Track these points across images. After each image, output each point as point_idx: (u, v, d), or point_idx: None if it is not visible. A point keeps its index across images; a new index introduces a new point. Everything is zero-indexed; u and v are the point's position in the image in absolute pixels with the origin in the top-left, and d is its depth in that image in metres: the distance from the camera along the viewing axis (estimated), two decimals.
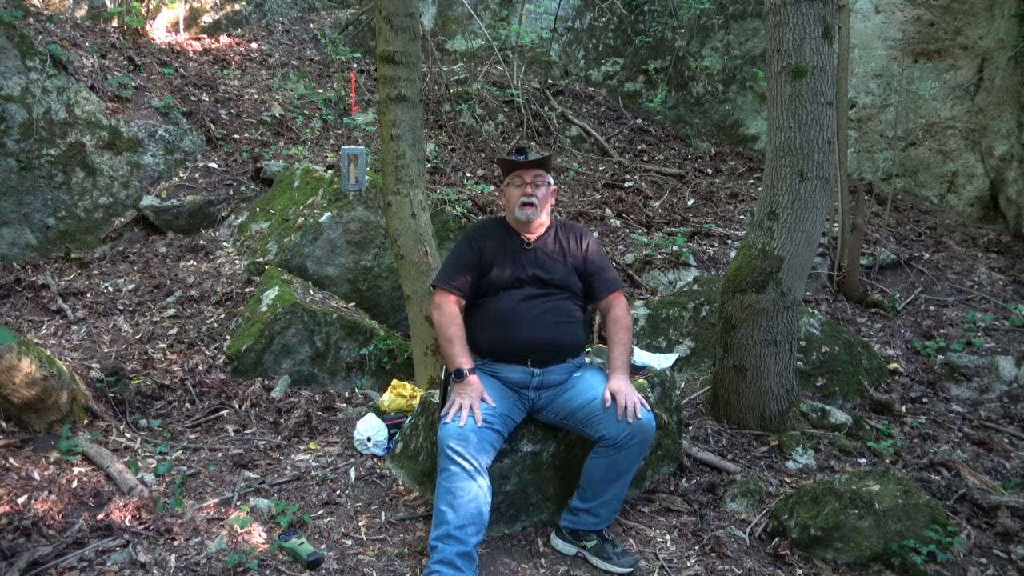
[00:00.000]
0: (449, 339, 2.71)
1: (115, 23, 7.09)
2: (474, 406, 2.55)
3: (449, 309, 2.76)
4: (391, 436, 3.40)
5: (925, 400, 4.23)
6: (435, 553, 2.36)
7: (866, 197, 6.43)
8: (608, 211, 6.14)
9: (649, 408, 2.66)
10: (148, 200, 5.41)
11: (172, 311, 4.44)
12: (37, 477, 2.98)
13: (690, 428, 3.65)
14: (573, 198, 6.35)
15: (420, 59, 3.77)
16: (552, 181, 2.93)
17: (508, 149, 6.98)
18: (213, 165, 5.82)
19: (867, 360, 4.30)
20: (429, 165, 6.17)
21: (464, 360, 2.67)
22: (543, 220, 2.90)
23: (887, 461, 3.53)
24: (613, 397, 2.62)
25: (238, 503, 2.93)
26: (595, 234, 5.79)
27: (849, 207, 5.35)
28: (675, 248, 5.45)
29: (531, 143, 7.30)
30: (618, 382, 2.67)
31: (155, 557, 2.55)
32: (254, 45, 7.90)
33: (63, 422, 3.30)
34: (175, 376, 3.86)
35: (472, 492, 2.41)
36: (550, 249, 2.87)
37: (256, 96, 6.72)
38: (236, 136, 6.14)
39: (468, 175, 6.32)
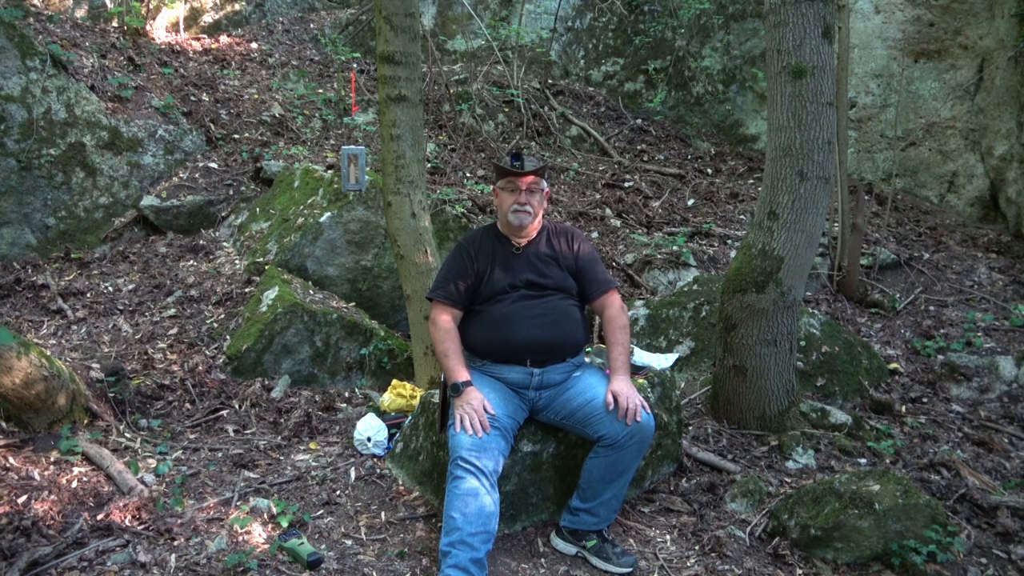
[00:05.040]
0: (444, 353, 2.72)
1: (115, 23, 7.09)
2: (480, 417, 2.55)
3: (443, 323, 2.77)
4: (391, 436, 3.40)
5: (925, 400, 4.23)
6: (448, 558, 2.36)
7: (866, 197, 6.43)
8: (608, 211, 6.14)
9: (649, 410, 2.66)
10: (148, 200, 5.41)
11: (172, 311, 4.44)
12: (37, 477, 2.98)
13: (690, 428, 3.65)
14: (573, 198, 6.34)
15: (420, 59, 3.77)
16: (546, 185, 2.93)
17: (508, 150, 6.97)
18: (213, 165, 5.82)
19: (867, 360, 4.30)
20: (429, 165, 6.17)
21: (461, 373, 2.67)
22: (536, 225, 2.91)
23: (887, 461, 3.53)
24: (615, 399, 2.62)
25: (238, 503, 2.93)
26: (595, 234, 5.79)
27: (849, 207, 5.35)
28: (675, 248, 5.45)
29: (531, 143, 7.30)
30: (620, 383, 2.67)
31: (155, 557, 2.55)
32: (254, 45, 7.90)
33: (63, 422, 3.30)
34: (175, 376, 3.86)
35: (484, 501, 2.42)
36: (542, 252, 2.88)
37: (256, 96, 6.72)
38: (236, 136, 6.14)
39: (468, 175, 6.32)
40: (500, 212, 2.89)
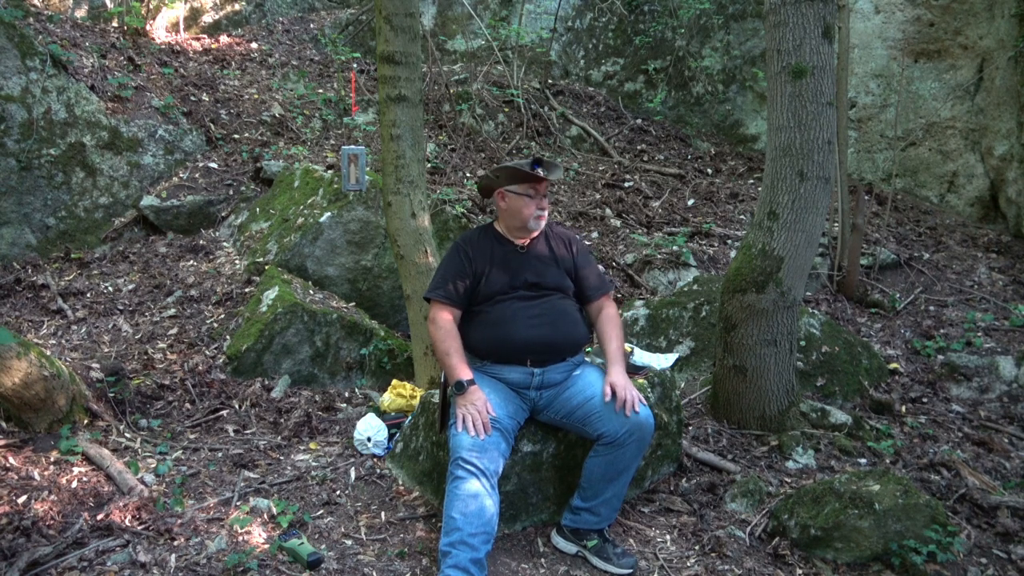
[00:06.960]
0: (446, 352, 2.71)
1: (115, 23, 7.09)
2: (482, 416, 2.55)
3: (443, 322, 2.76)
4: (391, 436, 3.40)
5: (925, 400, 4.23)
6: (448, 558, 2.36)
7: (866, 197, 6.43)
8: (608, 211, 6.14)
9: (646, 404, 2.67)
10: (148, 200, 5.41)
11: (172, 311, 4.44)
12: (37, 477, 2.98)
13: (690, 428, 3.65)
14: (573, 198, 6.34)
15: (420, 59, 3.77)
16: None
17: (509, 150, 6.97)
18: (213, 165, 5.82)
19: (867, 360, 4.30)
20: (429, 165, 6.17)
21: (463, 372, 2.66)
22: None
23: (887, 461, 3.53)
24: (613, 390, 2.63)
25: (238, 503, 2.94)
26: (595, 234, 5.79)
27: (849, 207, 5.35)
28: (675, 248, 5.45)
29: (531, 143, 7.30)
30: (616, 375, 2.69)
31: (155, 557, 2.55)
32: (254, 45, 7.89)
33: (63, 422, 3.30)
34: (175, 376, 3.86)
35: (484, 502, 2.42)
36: (542, 254, 2.89)
37: (256, 96, 6.72)
38: (236, 136, 6.14)
39: (468, 175, 6.32)
40: (515, 216, 2.87)
